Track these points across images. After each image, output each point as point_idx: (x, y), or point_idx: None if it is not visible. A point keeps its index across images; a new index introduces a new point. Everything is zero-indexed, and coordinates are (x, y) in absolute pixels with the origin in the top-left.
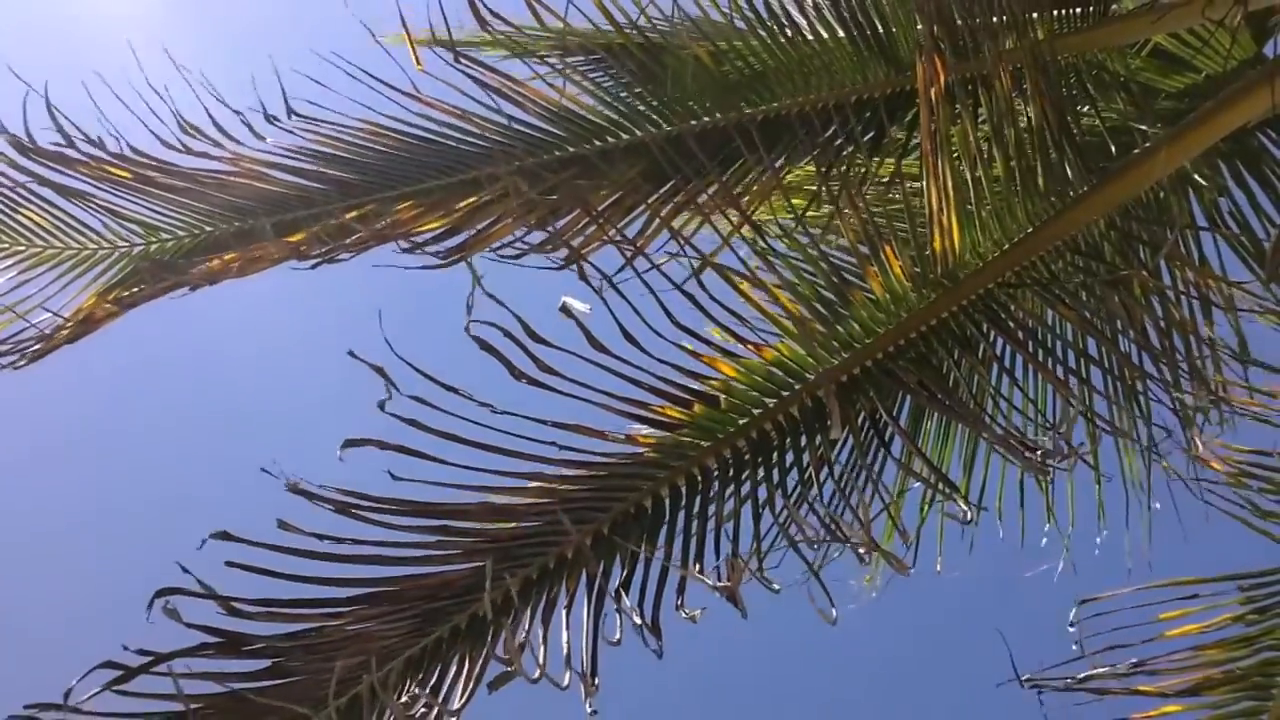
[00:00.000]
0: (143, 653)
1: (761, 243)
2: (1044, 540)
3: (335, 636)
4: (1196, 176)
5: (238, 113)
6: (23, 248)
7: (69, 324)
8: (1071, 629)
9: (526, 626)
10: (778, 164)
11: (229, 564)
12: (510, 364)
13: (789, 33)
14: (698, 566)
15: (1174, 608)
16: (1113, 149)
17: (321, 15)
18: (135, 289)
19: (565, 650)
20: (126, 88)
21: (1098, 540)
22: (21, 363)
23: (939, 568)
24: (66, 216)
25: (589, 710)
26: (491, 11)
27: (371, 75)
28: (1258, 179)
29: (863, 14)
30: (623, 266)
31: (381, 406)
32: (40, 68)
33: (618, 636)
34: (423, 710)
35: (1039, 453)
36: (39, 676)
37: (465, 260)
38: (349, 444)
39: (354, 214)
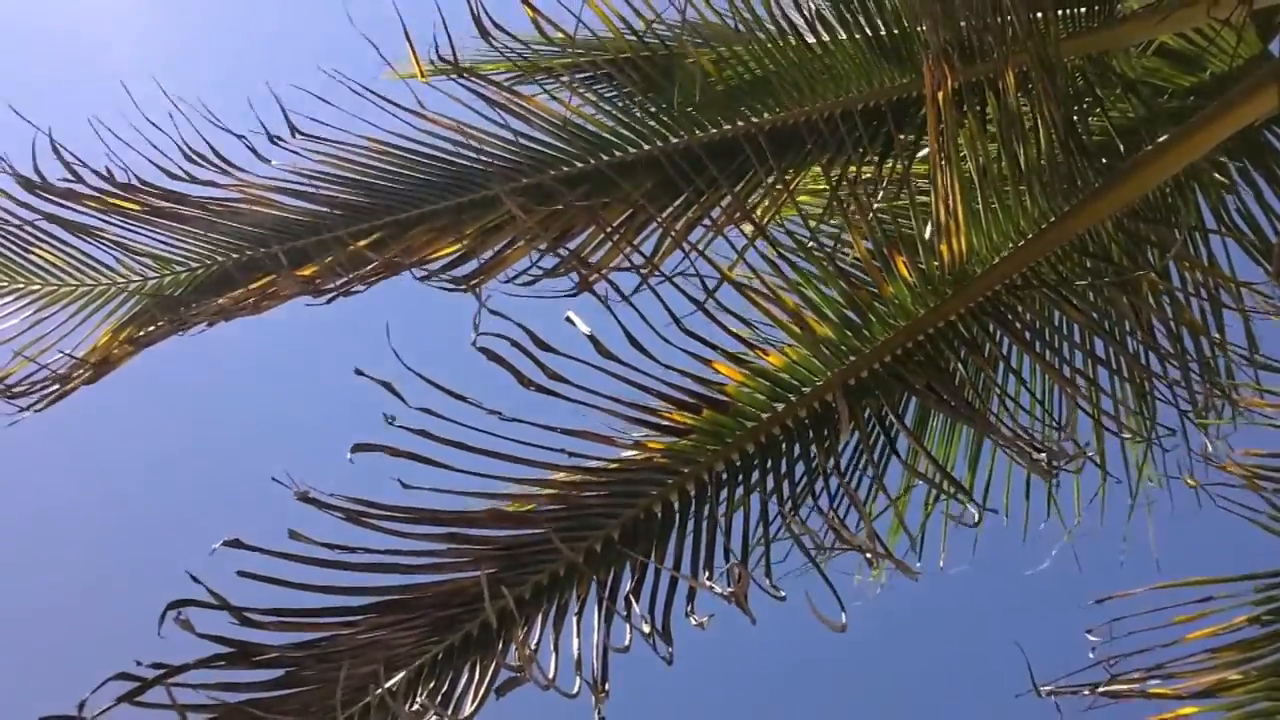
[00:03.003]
0: (156, 665)
1: (770, 249)
2: (1043, 537)
3: (348, 645)
4: (1204, 175)
5: (241, 137)
6: (37, 287)
7: (87, 365)
8: (1090, 635)
9: (538, 633)
10: (787, 174)
11: (240, 574)
12: (518, 372)
13: (793, 40)
14: (707, 573)
15: (1189, 609)
16: (1120, 149)
17: (326, 34)
18: (150, 326)
19: (576, 657)
20: (131, 117)
21: (1117, 538)
22: (40, 406)
23: (941, 563)
24: (77, 253)
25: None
26: (496, 25)
27: (377, 94)
28: (1265, 176)
29: (868, 19)
30: (639, 286)
31: (390, 421)
32: (42, 101)
33: (627, 642)
34: (434, 718)
35: (1045, 455)
36: (53, 689)
37: (479, 287)
38: (358, 448)
39: (365, 241)
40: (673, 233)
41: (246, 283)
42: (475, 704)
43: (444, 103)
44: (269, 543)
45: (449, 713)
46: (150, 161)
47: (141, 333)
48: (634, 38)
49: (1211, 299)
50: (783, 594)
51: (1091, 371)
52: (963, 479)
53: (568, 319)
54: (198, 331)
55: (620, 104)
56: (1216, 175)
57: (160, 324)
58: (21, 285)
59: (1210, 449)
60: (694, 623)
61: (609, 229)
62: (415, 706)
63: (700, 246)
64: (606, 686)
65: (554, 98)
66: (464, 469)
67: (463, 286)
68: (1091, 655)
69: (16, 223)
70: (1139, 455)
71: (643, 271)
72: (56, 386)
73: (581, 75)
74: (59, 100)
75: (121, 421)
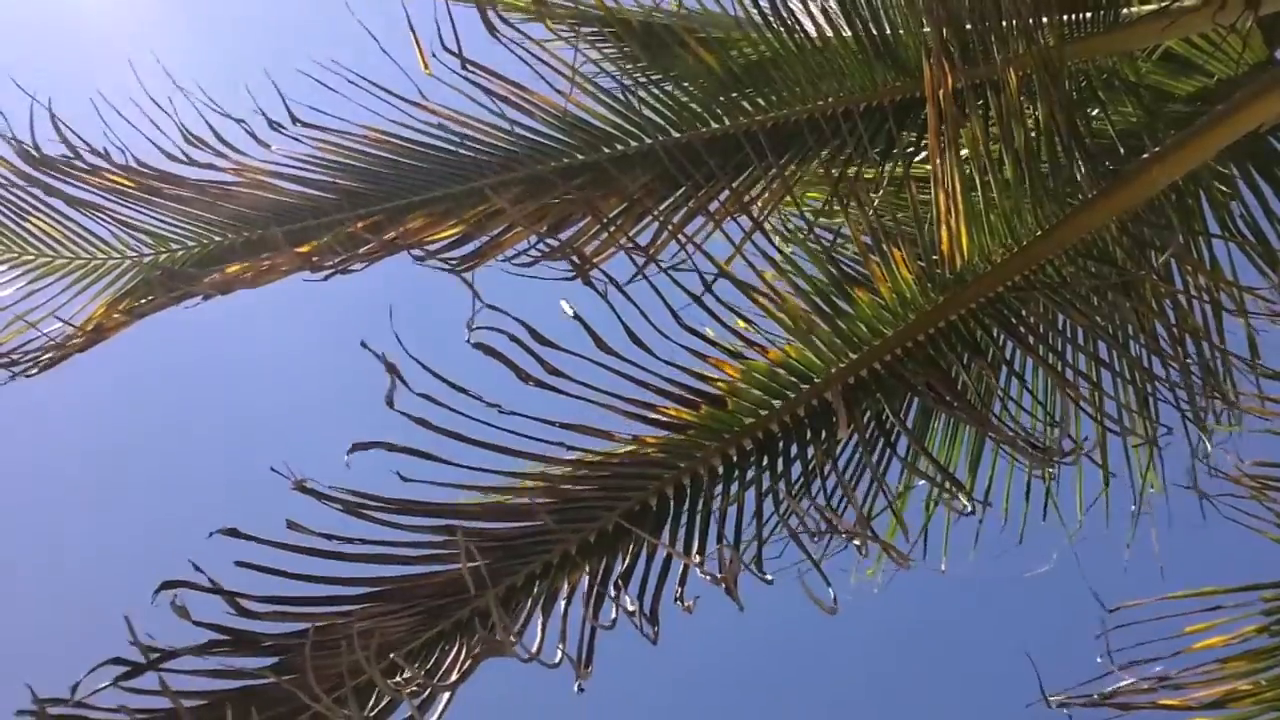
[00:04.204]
0: (150, 649)
1: (770, 245)
2: (1046, 543)
3: (341, 634)
4: (1208, 180)
5: (241, 121)
6: (32, 257)
7: (80, 333)
8: (1098, 638)
9: (526, 613)
10: (787, 170)
11: (238, 563)
12: (517, 367)
13: (798, 37)
14: (699, 559)
15: (1197, 619)
16: (1123, 152)
17: (328, 22)
18: (146, 299)
19: (561, 637)
20: (132, 98)
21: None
22: (33, 372)
23: (943, 566)
24: (75, 226)
25: (577, 689)
26: (502, 19)
27: (379, 85)
28: (1270, 182)
29: (873, 19)
30: (634, 276)
31: (390, 403)
32: (45, 79)
33: (613, 618)
34: (416, 688)
35: (1045, 452)
36: (47, 673)
37: (475, 269)
38: (356, 447)
39: (364, 224)
40: (669, 226)
41: (244, 259)
42: (460, 676)
43: (445, 92)
44: (264, 532)
45: (434, 682)
46: (151, 141)
47: (138, 303)
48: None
49: (1214, 304)
50: (770, 578)
51: (1094, 374)
52: (964, 480)
53: (563, 309)
54: (193, 304)
55: (618, 89)
56: (1221, 181)
57: (156, 296)
58: (15, 255)
59: (1216, 457)
60: (682, 607)
61: (605, 219)
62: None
63: (699, 241)
64: (589, 670)
65: (556, 91)
66: (461, 462)
67: (459, 269)
68: (1099, 661)
69: (13, 193)
70: (1142, 461)
71: (639, 262)
72: (50, 355)
73: (593, 31)
74: (60, 78)
75: (118, 411)
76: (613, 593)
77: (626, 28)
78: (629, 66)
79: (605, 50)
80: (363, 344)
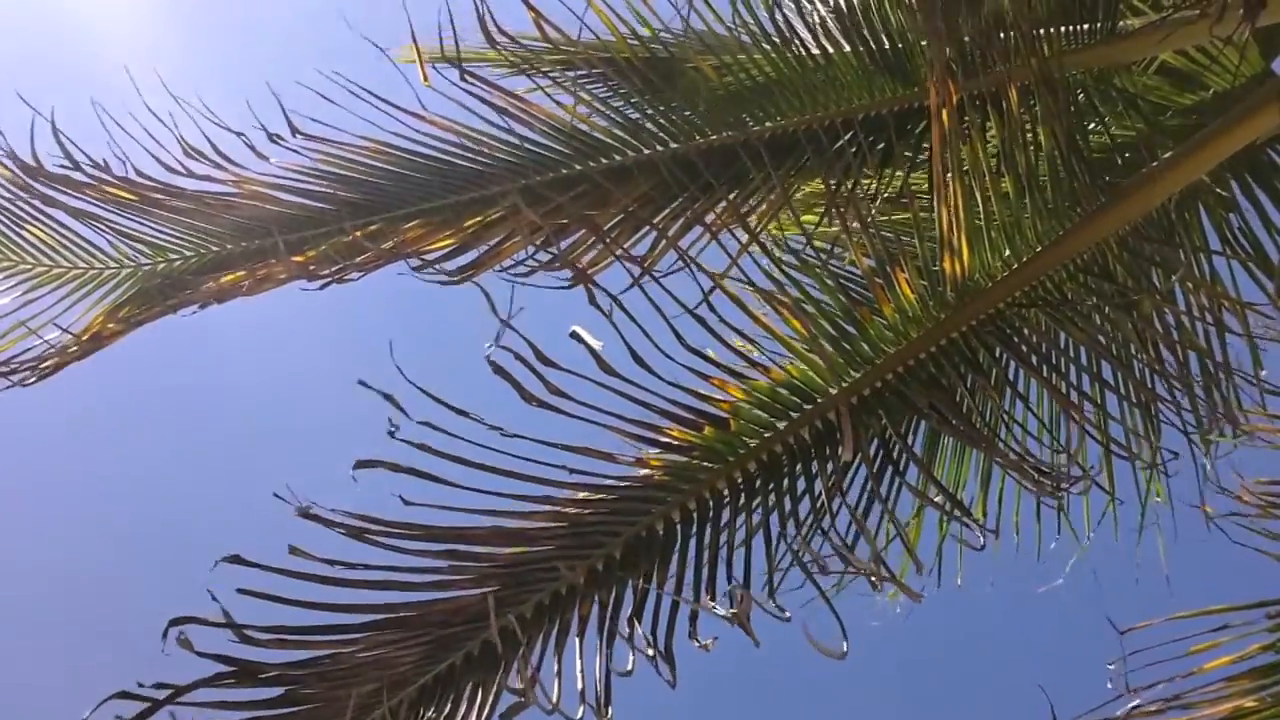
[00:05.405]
0: (160, 685)
1: (770, 262)
2: (1054, 559)
3: (348, 664)
4: (1206, 193)
5: (240, 134)
6: (29, 265)
7: (78, 342)
8: (1110, 667)
9: (539, 653)
10: (785, 181)
11: (241, 591)
12: (520, 387)
13: (796, 49)
14: (709, 593)
15: (1204, 637)
16: (1120, 165)
17: (329, 35)
18: (144, 307)
19: (579, 679)
20: (133, 109)
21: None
22: (31, 380)
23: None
24: (73, 235)
25: None
26: (500, 30)
27: (378, 96)
28: (1269, 195)
29: (870, 31)
30: (630, 285)
31: (392, 434)
32: (46, 90)
33: (630, 666)
34: None
35: (1051, 478)
36: (51, 708)
37: (475, 279)
38: (361, 464)
39: (362, 233)
40: (666, 236)
41: (242, 269)
42: None
43: (443, 103)
44: (268, 558)
45: None
46: (150, 154)
47: (135, 312)
48: (637, 42)
49: (1217, 322)
50: (788, 615)
51: (1097, 394)
52: (975, 497)
53: (573, 334)
54: (191, 313)
55: (620, 107)
56: (1219, 194)
57: (153, 304)
58: (13, 263)
59: (1222, 475)
60: (698, 645)
61: (603, 231)
62: None
63: (699, 255)
64: (609, 711)
65: (555, 101)
66: (466, 485)
67: (458, 278)
68: (1109, 687)
69: (11, 201)
70: (1147, 478)
71: (637, 273)
72: (48, 364)
73: (584, 74)
74: (60, 89)
75: (120, 438)
76: (625, 630)
77: (639, 62)
78: (634, 100)
79: (600, 93)
80: (361, 382)
